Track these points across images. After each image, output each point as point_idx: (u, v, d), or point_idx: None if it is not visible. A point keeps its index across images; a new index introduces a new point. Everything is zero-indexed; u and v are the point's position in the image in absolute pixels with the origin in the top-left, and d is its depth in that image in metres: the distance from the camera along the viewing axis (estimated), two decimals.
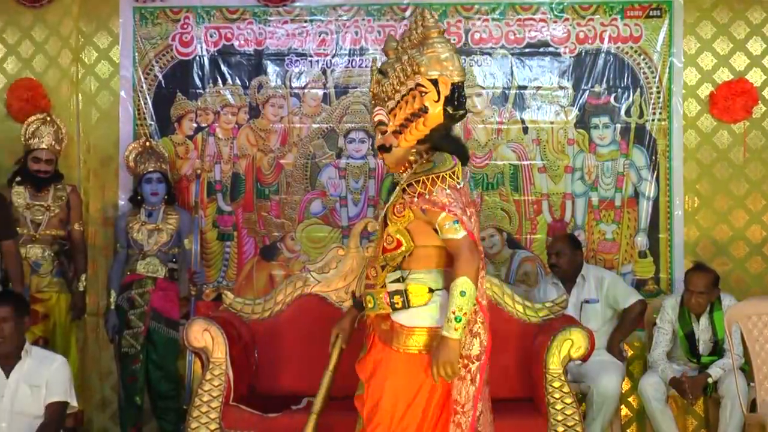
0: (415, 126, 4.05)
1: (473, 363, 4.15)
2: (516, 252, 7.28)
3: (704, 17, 7.30)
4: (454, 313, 3.95)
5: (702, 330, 6.43)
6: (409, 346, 4.10)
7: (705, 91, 7.26)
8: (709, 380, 6.23)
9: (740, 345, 5.93)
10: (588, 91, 7.29)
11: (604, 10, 7.28)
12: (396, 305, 4.10)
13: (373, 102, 4.27)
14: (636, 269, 7.22)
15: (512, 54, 7.33)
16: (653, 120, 7.23)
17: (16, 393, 5.32)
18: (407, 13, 7.33)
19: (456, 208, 4.03)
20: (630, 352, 7.05)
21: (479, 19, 7.31)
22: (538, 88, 7.32)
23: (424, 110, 4.01)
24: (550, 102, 7.31)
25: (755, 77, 7.23)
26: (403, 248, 4.10)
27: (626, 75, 7.27)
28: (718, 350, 6.39)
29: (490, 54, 7.32)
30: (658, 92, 7.22)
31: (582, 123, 7.29)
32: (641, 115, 7.24)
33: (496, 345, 5.81)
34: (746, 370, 5.98)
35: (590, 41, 7.30)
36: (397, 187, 4.17)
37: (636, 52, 7.26)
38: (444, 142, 4.17)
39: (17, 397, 5.32)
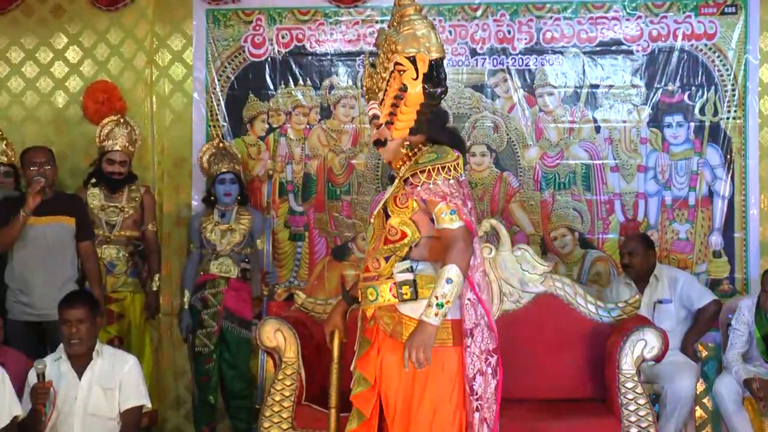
0: (400, 111, 3.99)
1: (492, 357, 4.09)
2: (588, 252, 7.23)
3: None
4: (437, 298, 3.86)
5: None
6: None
7: None
8: None
9: None
10: (661, 90, 7.21)
11: (677, 8, 7.20)
12: (404, 296, 4.00)
13: (367, 96, 4.22)
14: (710, 269, 7.13)
15: (584, 53, 7.28)
16: (728, 118, 7.13)
17: (89, 395, 5.36)
18: (478, 13, 7.32)
19: (456, 199, 3.98)
20: (704, 353, 6.97)
21: (551, 18, 7.27)
22: (611, 86, 7.26)
23: (403, 89, 3.91)
24: (623, 101, 7.25)
25: None
26: (407, 239, 4.03)
27: (700, 73, 7.18)
28: None
29: (561, 53, 7.29)
30: (733, 90, 7.13)
31: (655, 121, 7.21)
32: (716, 113, 7.15)
33: (569, 345, 5.86)
34: None
35: (663, 39, 7.22)
36: (396, 179, 4.12)
37: (710, 49, 7.17)
38: (440, 133, 4.14)
39: (90, 399, 5.36)
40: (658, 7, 7.23)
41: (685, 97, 7.19)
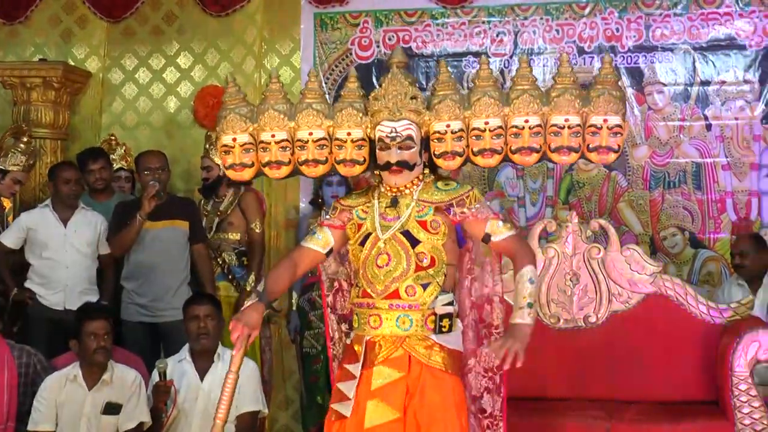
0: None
1: (497, 374, 4.19)
2: (699, 251, 7.13)
3: None
4: (525, 299, 3.93)
5: None
6: (456, 369, 4.08)
7: None
8: None
9: None
10: None
11: None
12: (443, 328, 4.03)
13: (395, 115, 4.09)
14: None
15: (694, 49, 7.18)
16: None
17: (210, 396, 5.42)
18: (586, 11, 7.27)
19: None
20: None
21: (660, 14, 7.18)
22: (722, 83, 7.15)
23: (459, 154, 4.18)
24: (735, 97, 7.13)
25: None
26: (437, 265, 4.05)
27: None
28: None
29: (671, 50, 7.20)
30: None
31: None
32: None
33: (680, 346, 5.77)
34: None
35: None
36: (413, 204, 4.12)
37: None
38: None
39: (211, 401, 5.41)
40: None
41: None
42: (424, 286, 4.02)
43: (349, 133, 4.18)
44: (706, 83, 7.15)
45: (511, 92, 4.20)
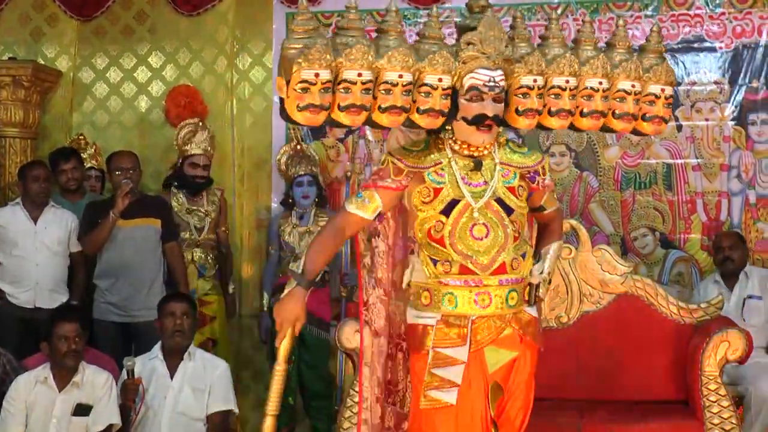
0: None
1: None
2: (669, 252, 7.16)
3: None
4: (550, 274, 3.97)
5: None
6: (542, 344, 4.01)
7: None
8: None
9: None
10: (745, 87, 7.11)
11: (762, 3, 7.10)
12: (537, 298, 3.93)
13: (492, 62, 3.72)
14: None
15: (666, 50, 7.17)
16: None
17: (180, 394, 5.47)
18: (558, 12, 7.27)
19: None
20: None
21: (631, 16, 7.21)
22: (693, 84, 7.18)
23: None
24: (705, 98, 7.15)
25: None
26: (523, 234, 3.88)
27: None
28: None
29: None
30: None
31: (739, 119, 7.12)
32: None
33: (650, 346, 5.80)
34: None
35: (747, 35, 7.13)
36: (497, 168, 3.83)
37: None
38: None
39: (180, 399, 5.47)
40: (741, 2, 7.14)
41: None
42: (524, 257, 3.86)
43: (440, 79, 3.66)
44: (676, 84, 7.15)
45: (581, 52, 3.95)
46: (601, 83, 3.92)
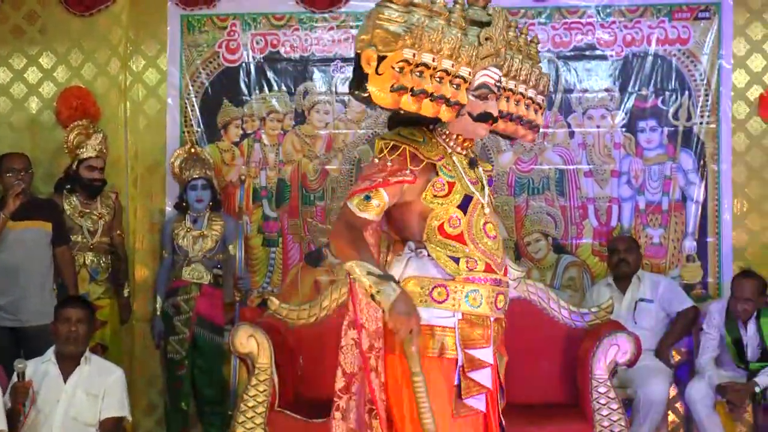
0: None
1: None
2: (561, 257, 7.24)
3: (754, 18, 7.22)
4: None
5: (750, 336, 6.38)
6: None
7: (755, 93, 7.18)
8: (756, 389, 6.17)
9: None
10: (635, 95, 7.23)
11: (651, 13, 7.23)
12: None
13: (494, 60, 3.61)
14: (683, 274, 7.14)
15: (558, 58, 7.30)
16: (701, 123, 7.16)
17: (73, 399, 5.39)
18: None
19: None
20: (677, 358, 6.99)
21: (525, 23, 7.27)
22: (585, 91, 7.28)
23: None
24: (597, 106, 7.27)
25: None
26: None
27: (674, 78, 7.21)
28: (767, 356, 6.33)
29: None
30: (707, 95, 7.15)
31: (629, 126, 7.24)
32: (689, 118, 7.17)
33: (542, 350, 5.86)
34: None
35: (637, 44, 7.25)
36: (478, 170, 3.74)
37: (684, 54, 7.20)
38: None
39: (73, 403, 5.39)
40: (632, 12, 7.25)
41: (659, 102, 7.21)
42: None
43: (470, 73, 3.53)
44: (569, 91, 7.26)
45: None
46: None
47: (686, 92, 7.17)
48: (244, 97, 7.47)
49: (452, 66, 3.45)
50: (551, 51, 7.28)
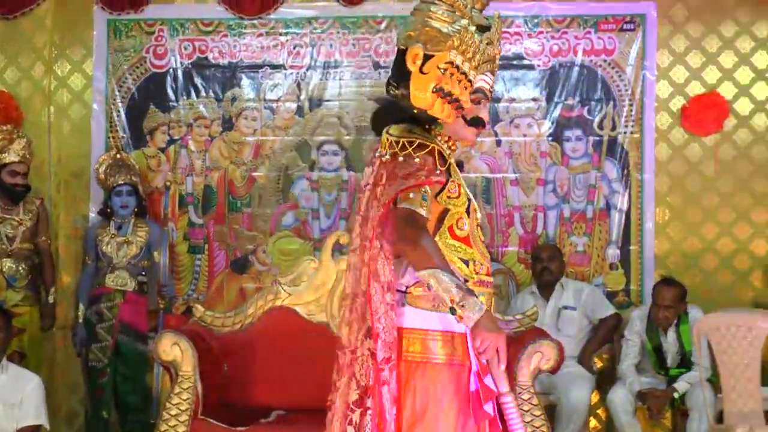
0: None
1: None
2: None
3: (677, 31, 7.32)
4: None
5: (670, 343, 6.47)
6: None
7: (677, 104, 7.29)
8: (675, 395, 6.27)
9: (708, 357, 5.99)
10: (561, 104, 7.30)
11: (578, 24, 7.30)
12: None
13: (479, 68, 3.44)
14: (607, 281, 7.23)
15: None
16: (625, 133, 7.25)
17: None
18: (382, 26, 7.35)
19: None
20: (599, 364, 7.06)
21: None
22: (512, 101, 7.33)
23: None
24: (523, 115, 7.32)
25: (726, 91, 7.26)
26: None
27: (599, 88, 7.29)
28: (686, 362, 6.43)
29: None
30: (631, 105, 7.24)
31: (555, 136, 7.30)
32: (614, 128, 7.25)
33: None
34: (714, 381, 6.01)
35: (564, 54, 7.32)
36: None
37: (609, 65, 7.29)
38: None
39: None
40: (559, 22, 7.32)
41: (585, 112, 7.29)
42: None
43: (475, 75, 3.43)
44: (496, 100, 7.29)
45: None
46: None
47: (611, 102, 7.26)
48: (171, 103, 7.42)
49: (470, 70, 3.38)
50: None
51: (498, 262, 7.26)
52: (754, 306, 6.92)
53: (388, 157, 3.41)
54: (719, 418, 5.99)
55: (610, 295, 7.14)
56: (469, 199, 3.50)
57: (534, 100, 7.33)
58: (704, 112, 7.18)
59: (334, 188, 7.35)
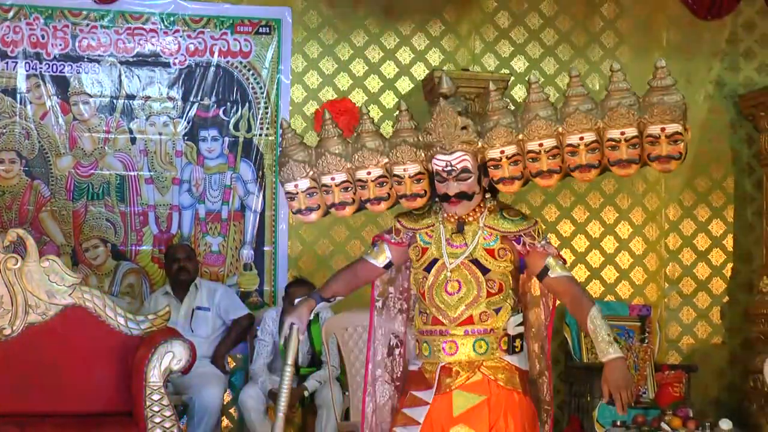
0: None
1: None
2: (120, 263, 7.19)
3: (311, 37, 7.53)
4: (609, 335, 3.98)
5: (300, 343, 6.62)
6: (527, 390, 4.12)
7: (311, 108, 7.50)
8: (305, 393, 6.46)
9: (337, 356, 6.19)
10: (197, 104, 7.32)
11: (215, 24, 7.35)
12: (516, 349, 4.09)
13: (439, 148, 4.01)
14: (241, 281, 7.32)
15: (121, 63, 7.24)
16: (261, 135, 7.37)
17: None
18: (10, 15, 7.07)
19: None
20: (233, 364, 7.13)
21: (87, 25, 7.16)
22: (147, 98, 7.27)
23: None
24: (159, 113, 7.28)
25: (358, 97, 7.54)
26: (504, 291, 4.09)
27: (236, 89, 7.37)
28: (316, 361, 6.61)
29: (98, 61, 7.20)
30: (266, 108, 7.37)
31: (191, 135, 7.30)
32: (249, 130, 7.35)
33: (98, 358, 5.78)
34: (342, 380, 6.22)
35: (200, 54, 7.34)
36: (480, 231, 4.09)
37: (245, 67, 7.38)
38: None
39: None
40: (196, 22, 7.33)
41: (221, 113, 7.35)
42: (497, 311, 4.07)
43: (405, 169, 4.11)
44: (131, 97, 7.22)
45: (565, 108, 4.03)
46: (582, 138, 3.99)
47: (247, 104, 7.35)
48: None
49: (368, 174, 4.18)
50: (114, 56, 7.21)
51: (131, 261, 7.17)
52: None
53: None
54: (346, 415, 6.22)
55: (245, 296, 7.23)
56: (436, 259, 4.08)
57: (170, 98, 7.30)
58: (336, 117, 7.36)
59: None
